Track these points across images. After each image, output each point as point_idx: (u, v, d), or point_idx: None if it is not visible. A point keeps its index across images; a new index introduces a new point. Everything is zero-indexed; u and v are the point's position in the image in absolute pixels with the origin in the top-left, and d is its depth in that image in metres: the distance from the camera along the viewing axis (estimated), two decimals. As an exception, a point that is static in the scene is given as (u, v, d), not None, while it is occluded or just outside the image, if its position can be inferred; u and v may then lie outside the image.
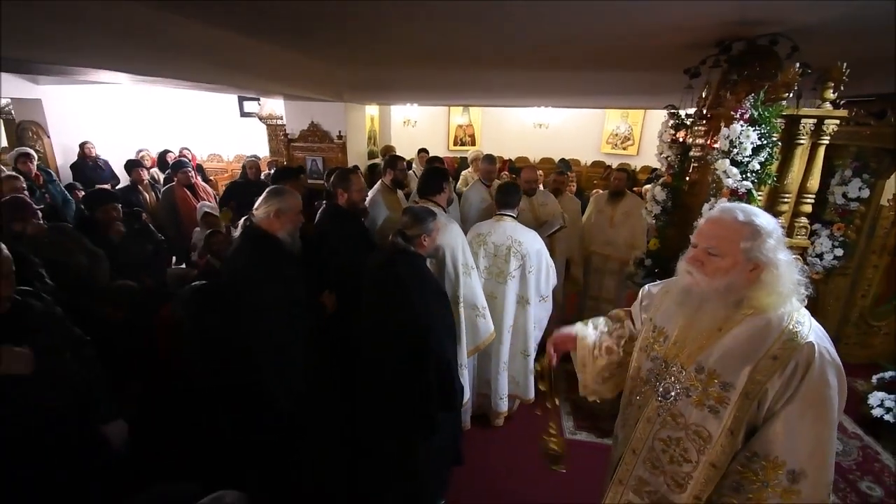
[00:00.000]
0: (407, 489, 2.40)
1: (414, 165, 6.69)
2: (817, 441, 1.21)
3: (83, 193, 5.40)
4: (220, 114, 9.21)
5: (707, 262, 1.28)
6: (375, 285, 2.28)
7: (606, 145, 9.44)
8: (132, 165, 5.76)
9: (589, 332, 1.70)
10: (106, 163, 6.95)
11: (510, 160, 9.13)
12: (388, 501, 2.45)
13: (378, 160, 6.36)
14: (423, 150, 7.19)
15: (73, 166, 6.40)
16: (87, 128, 7.16)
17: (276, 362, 2.32)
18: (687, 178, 3.14)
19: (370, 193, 3.60)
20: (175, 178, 5.39)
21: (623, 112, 9.01)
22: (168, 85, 4.12)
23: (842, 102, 4.13)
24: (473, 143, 9.94)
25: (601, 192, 4.75)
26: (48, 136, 6.63)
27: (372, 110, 6.55)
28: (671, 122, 3.17)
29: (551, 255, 3.75)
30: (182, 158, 6.59)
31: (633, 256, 3.67)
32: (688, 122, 3.08)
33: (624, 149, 9.24)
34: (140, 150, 7.15)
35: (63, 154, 6.78)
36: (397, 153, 5.39)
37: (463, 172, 6.92)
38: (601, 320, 1.75)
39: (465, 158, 7.42)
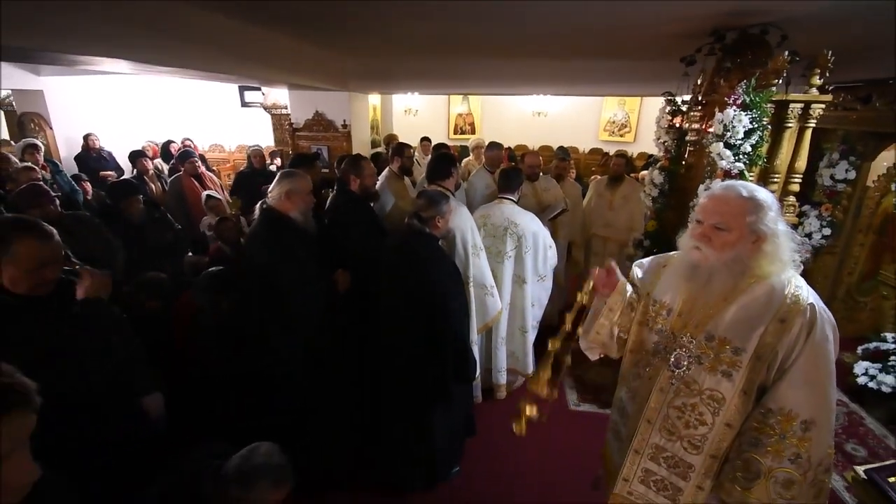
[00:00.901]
0: (425, 457, 2.57)
1: (416, 154, 6.79)
2: (823, 391, 1.34)
3: (87, 184, 5.51)
4: (221, 104, 9.26)
5: (715, 236, 1.38)
6: (393, 265, 2.43)
7: (604, 133, 9.57)
8: (137, 156, 5.84)
9: (629, 287, 1.71)
10: (110, 154, 7.01)
11: (510, 148, 9.24)
12: (407, 469, 2.62)
13: (381, 149, 6.47)
14: (425, 139, 7.28)
15: (77, 157, 6.46)
16: (89, 119, 7.20)
17: (294, 337, 2.45)
18: (683, 162, 3.30)
19: (378, 180, 3.73)
20: (182, 168, 5.48)
21: (620, 100, 9.13)
22: (172, 74, 4.16)
23: (830, 88, 4.31)
24: (473, 132, 10.03)
25: (601, 177, 4.89)
26: (50, 128, 6.68)
27: (374, 100, 6.65)
28: (668, 108, 3.31)
29: (554, 239, 3.92)
30: (187, 149, 6.67)
31: (631, 238, 3.84)
32: (684, 109, 3.22)
33: (621, 136, 9.38)
34: (145, 143, 7.23)
35: (65, 145, 6.84)
36: (405, 142, 5.51)
37: (464, 160, 7.03)
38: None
39: (466, 147, 7.53)
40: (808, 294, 1.36)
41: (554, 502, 2.64)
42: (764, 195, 1.36)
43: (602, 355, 1.83)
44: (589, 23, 3.05)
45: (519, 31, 3.42)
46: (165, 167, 6.70)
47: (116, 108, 8.05)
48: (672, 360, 1.51)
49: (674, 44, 3.20)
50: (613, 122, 9.41)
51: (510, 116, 9.93)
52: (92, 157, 6.52)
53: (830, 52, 2.36)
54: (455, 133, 10.13)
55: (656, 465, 1.62)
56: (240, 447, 1.58)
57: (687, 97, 3.22)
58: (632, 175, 5.57)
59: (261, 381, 2.57)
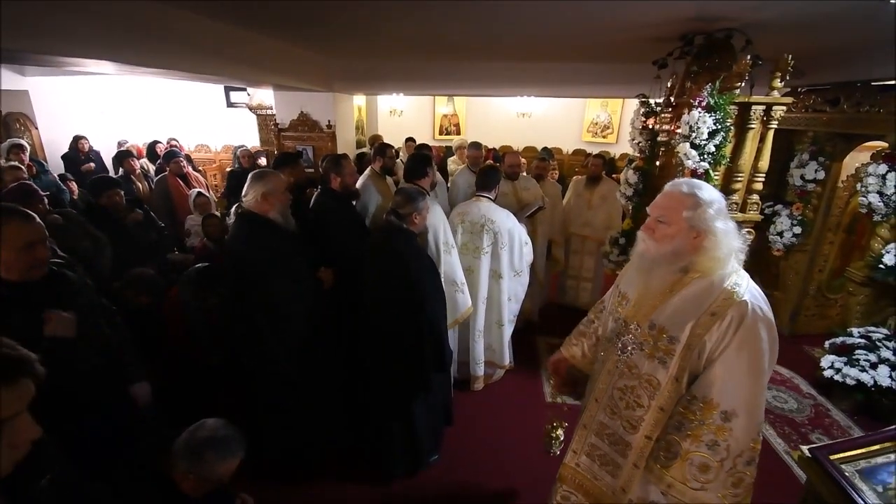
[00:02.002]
0: (406, 445, 2.65)
1: (401, 154, 6.87)
2: (748, 386, 1.39)
3: (73, 183, 5.49)
4: (206, 105, 9.23)
5: (657, 229, 1.48)
6: (374, 260, 2.50)
7: (587, 134, 9.71)
8: (123, 156, 5.83)
9: (573, 349, 1.97)
10: (97, 154, 6.99)
11: (494, 149, 9.34)
12: (390, 456, 2.69)
13: (366, 149, 6.52)
14: (410, 139, 7.36)
15: (64, 157, 6.42)
16: (74, 119, 7.17)
17: (281, 333, 2.48)
18: (657, 163, 3.41)
19: (360, 180, 3.79)
20: (167, 168, 5.50)
21: (603, 102, 9.27)
22: (157, 75, 4.17)
23: (802, 90, 4.46)
24: (458, 133, 10.11)
25: (580, 177, 5.00)
26: (36, 128, 6.64)
27: (359, 100, 6.70)
28: (642, 109, 3.42)
29: (533, 237, 4.00)
30: (173, 149, 6.67)
31: (608, 236, 3.94)
32: (657, 110, 3.34)
33: (604, 137, 9.52)
34: (120, 140, 7.20)
35: (50, 145, 6.79)
36: (387, 143, 5.58)
37: (449, 160, 7.12)
38: (572, 338, 2.02)
39: (451, 147, 7.61)
40: (745, 291, 1.40)
41: (530, 490, 2.72)
42: (706, 193, 1.42)
43: None
44: (565, 26, 3.14)
45: (498, 33, 3.50)
46: (152, 167, 6.69)
47: (102, 108, 8.01)
48: (620, 344, 1.62)
49: (647, 47, 3.31)
50: (596, 124, 9.56)
51: (495, 117, 10.03)
52: (80, 159, 6.49)
53: (791, 56, 2.47)
54: (440, 134, 10.20)
55: (600, 440, 1.73)
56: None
57: (660, 99, 3.33)
58: (614, 176, 5.70)
59: (248, 373, 2.63)
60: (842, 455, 1.71)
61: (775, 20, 2.44)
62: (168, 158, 5.69)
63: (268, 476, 2.70)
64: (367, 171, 3.90)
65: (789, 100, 2.55)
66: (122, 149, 6.67)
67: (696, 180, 1.52)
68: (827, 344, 3.86)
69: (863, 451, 1.70)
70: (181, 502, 1.56)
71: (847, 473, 1.64)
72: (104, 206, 3.52)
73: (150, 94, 8.75)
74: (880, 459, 1.67)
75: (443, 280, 2.93)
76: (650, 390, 1.54)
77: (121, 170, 5.62)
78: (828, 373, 3.66)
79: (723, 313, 1.38)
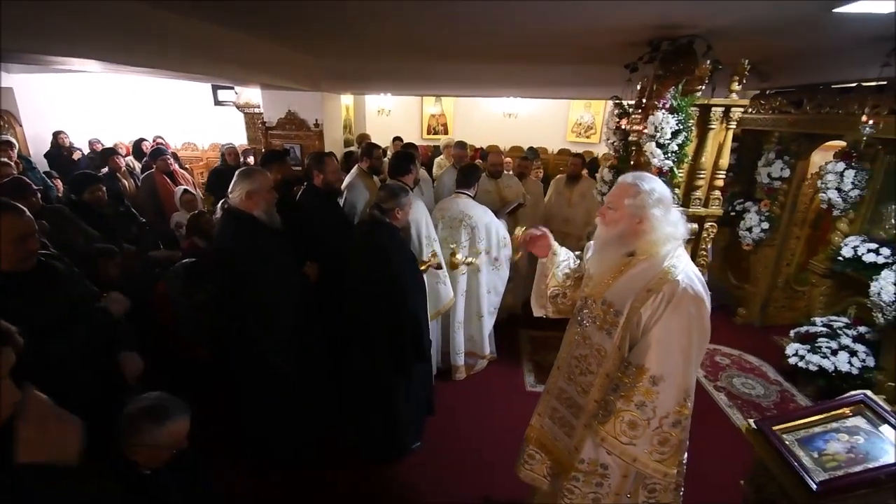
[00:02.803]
0: (386, 430, 2.77)
1: (389, 153, 6.97)
2: (675, 355, 1.54)
3: (59, 181, 5.52)
4: (193, 103, 9.23)
5: (607, 214, 1.67)
6: (358, 253, 2.62)
7: (571, 134, 9.92)
8: (108, 153, 5.86)
9: (561, 252, 1.97)
10: (80, 150, 6.98)
11: (481, 148, 9.49)
12: (370, 441, 2.81)
13: (354, 148, 6.63)
14: (397, 138, 7.47)
15: (47, 155, 6.43)
16: (59, 117, 7.16)
17: (268, 328, 2.55)
18: (631, 162, 3.58)
19: (348, 178, 3.91)
20: (154, 166, 5.55)
21: (586, 103, 9.48)
22: (144, 74, 4.23)
23: (770, 93, 4.66)
24: (446, 132, 10.24)
25: (561, 176, 5.17)
26: (20, 125, 6.62)
27: (346, 100, 6.79)
28: (616, 111, 3.59)
29: (514, 234, 4.12)
30: (160, 146, 6.70)
31: (586, 232, 4.11)
32: (630, 111, 3.51)
33: (587, 137, 9.73)
34: (96, 141, 7.22)
35: (35, 143, 6.78)
36: (372, 141, 5.69)
37: (436, 159, 7.24)
38: (574, 254, 2.00)
39: (439, 146, 7.74)
40: (680, 272, 1.55)
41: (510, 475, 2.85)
42: (647, 184, 1.59)
43: (545, 315, 2.06)
44: (542, 29, 3.28)
45: (479, 35, 3.64)
46: (137, 165, 6.71)
47: (87, 105, 7.99)
48: (579, 318, 1.81)
49: (620, 51, 3.47)
50: (580, 124, 9.77)
51: (482, 118, 10.19)
52: (62, 155, 6.49)
53: (747, 61, 2.65)
54: (428, 133, 10.33)
55: (559, 404, 1.91)
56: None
57: (632, 101, 3.50)
58: (596, 175, 5.88)
59: (235, 366, 2.71)
60: (784, 426, 1.88)
61: (731, 28, 2.61)
62: (155, 156, 5.74)
63: (252, 463, 2.80)
64: (354, 170, 4.02)
65: (745, 102, 2.74)
66: (99, 147, 6.70)
67: (643, 173, 1.68)
68: (792, 333, 4.06)
69: (802, 422, 1.87)
70: (140, 480, 1.56)
71: (787, 442, 1.81)
72: (86, 201, 3.59)
73: (136, 91, 8.73)
74: (817, 429, 1.84)
75: (425, 273, 3.07)
76: (599, 358, 1.73)
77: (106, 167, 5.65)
78: (792, 360, 3.86)
79: (657, 290, 1.55)
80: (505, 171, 4.68)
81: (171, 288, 3.35)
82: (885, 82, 3.33)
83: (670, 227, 1.59)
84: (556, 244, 1.97)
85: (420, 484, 2.75)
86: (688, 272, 1.58)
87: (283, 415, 2.71)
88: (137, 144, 7.34)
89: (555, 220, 4.94)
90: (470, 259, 3.25)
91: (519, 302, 4.83)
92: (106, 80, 8.11)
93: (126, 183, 5.71)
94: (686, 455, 1.83)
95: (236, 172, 2.57)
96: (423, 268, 2.92)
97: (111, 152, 5.89)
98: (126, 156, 6.87)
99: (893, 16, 2.30)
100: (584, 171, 5.27)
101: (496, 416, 3.34)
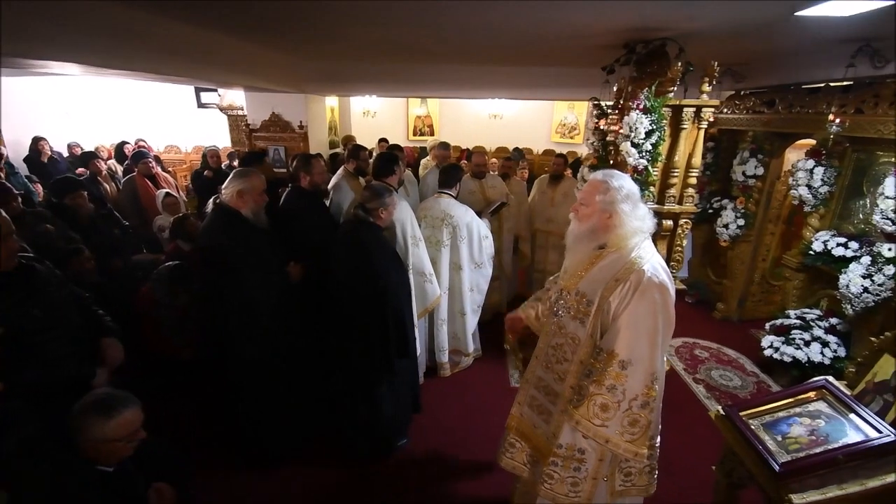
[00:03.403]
0: (373, 428, 2.81)
1: (374, 154, 7.00)
2: (642, 340, 1.63)
3: (39, 185, 5.47)
4: (176, 105, 9.17)
5: (580, 210, 1.76)
6: (342, 253, 2.66)
7: (556, 134, 10.06)
8: (89, 157, 5.82)
9: (529, 310, 2.17)
10: (60, 154, 6.91)
11: (468, 149, 9.57)
12: (356, 438, 2.85)
13: (339, 149, 6.65)
14: (383, 140, 7.50)
15: (26, 160, 6.34)
16: (39, 120, 7.07)
17: (251, 325, 2.60)
18: (610, 161, 3.67)
19: (334, 179, 3.94)
20: (136, 169, 5.52)
21: (570, 104, 9.61)
22: (124, 76, 4.19)
23: (744, 93, 4.80)
24: (432, 133, 10.30)
25: (544, 176, 5.25)
26: (-2, 129, 6.52)
27: (331, 101, 6.81)
28: (595, 111, 3.68)
29: (500, 233, 4.22)
30: (142, 149, 6.65)
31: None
32: (608, 112, 3.60)
33: (571, 137, 9.87)
34: (75, 145, 7.15)
35: (14, 147, 6.68)
36: (358, 143, 5.72)
37: (423, 160, 7.30)
38: (529, 301, 2.22)
39: (425, 148, 7.80)
40: (646, 263, 1.66)
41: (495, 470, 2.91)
42: (616, 181, 1.68)
43: None
44: (521, 32, 3.35)
45: (461, 38, 3.71)
46: (119, 168, 6.65)
47: (67, 108, 7.89)
48: (556, 309, 1.89)
49: (597, 54, 3.56)
50: (564, 125, 9.91)
51: (468, 119, 10.27)
52: (41, 161, 6.40)
53: (717, 63, 2.75)
54: (414, 134, 10.38)
55: (538, 392, 1.99)
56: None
57: (610, 102, 3.59)
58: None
59: (220, 365, 2.73)
60: (750, 411, 1.97)
61: (701, 31, 2.71)
62: (137, 159, 5.70)
63: (239, 461, 2.82)
64: (340, 171, 4.05)
65: (715, 102, 2.84)
66: (78, 151, 6.63)
67: (613, 171, 1.78)
68: (768, 326, 4.19)
69: (767, 407, 1.96)
70: (102, 477, 1.55)
71: (753, 427, 1.90)
72: (67, 205, 3.58)
73: (118, 94, 8.64)
74: (781, 414, 1.93)
75: (412, 271, 3.12)
76: (573, 346, 1.81)
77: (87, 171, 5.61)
78: (768, 352, 3.98)
79: (625, 279, 1.65)
80: (489, 172, 4.75)
81: (155, 291, 3.35)
82: (851, 82, 3.47)
83: (637, 221, 1.68)
84: (525, 314, 2.19)
85: (407, 480, 2.79)
86: (653, 262, 1.68)
87: (270, 413, 2.74)
88: (120, 147, 7.27)
89: (538, 220, 5.02)
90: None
91: (505, 300, 4.90)
92: (87, 82, 8.02)
93: (108, 187, 5.67)
94: (659, 439, 1.91)
95: (233, 171, 2.67)
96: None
97: (92, 156, 5.84)
98: (108, 159, 6.81)
99: (854, 19, 2.41)
100: (568, 171, 5.36)
101: (481, 413, 3.39)
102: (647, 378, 1.66)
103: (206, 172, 5.82)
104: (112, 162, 6.81)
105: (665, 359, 1.81)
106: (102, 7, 2.62)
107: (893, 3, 2.18)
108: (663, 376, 1.78)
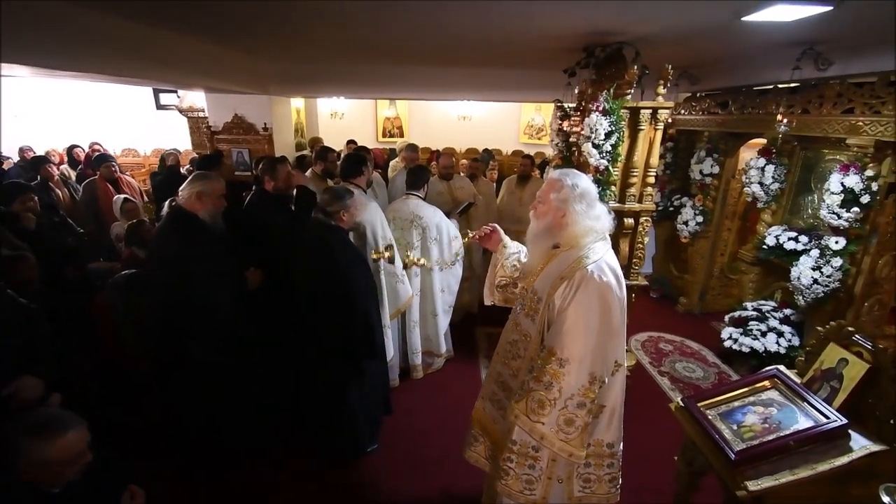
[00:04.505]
0: (342, 430, 2.77)
1: (343, 156, 6.93)
2: (580, 339, 1.63)
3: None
4: (134, 107, 8.84)
5: (538, 208, 1.77)
6: (306, 256, 2.62)
7: (524, 135, 10.19)
8: (39, 162, 5.52)
9: (512, 246, 2.10)
10: (9, 160, 6.54)
11: (437, 151, 9.59)
12: (325, 443, 2.81)
13: (306, 151, 6.54)
14: (351, 142, 7.44)
15: (-32, 164, 5.99)
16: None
17: (208, 329, 2.53)
18: (573, 162, 3.74)
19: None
20: (98, 172, 5.30)
21: (537, 105, 9.76)
22: (77, 78, 4.01)
23: (700, 95, 4.97)
24: (402, 135, 10.26)
25: (512, 177, 5.31)
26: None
27: (297, 103, 6.68)
28: (559, 113, 3.74)
29: (467, 233, 4.19)
30: (104, 153, 6.38)
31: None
32: (570, 114, 3.66)
33: (539, 138, 10.03)
34: (27, 148, 6.80)
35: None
36: (329, 147, 5.65)
37: (392, 162, 7.27)
38: (525, 248, 2.07)
39: (395, 149, 7.76)
40: (592, 261, 1.65)
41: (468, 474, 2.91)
42: (572, 179, 1.70)
43: (493, 303, 2.19)
44: (481, 35, 3.35)
45: (421, 40, 3.70)
46: (73, 173, 6.36)
47: (18, 111, 7.49)
48: (516, 306, 1.92)
49: (559, 57, 3.63)
50: (532, 126, 10.06)
51: (437, 120, 10.29)
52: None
53: (671, 66, 2.84)
54: (384, 136, 10.32)
55: (496, 386, 2.02)
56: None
57: (573, 104, 3.65)
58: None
59: (184, 370, 2.64)
60: (707, 402, 2.04)
61: (653, 35, 2.80)
62: (99, 162, 5.48)
63: (204, 468, 2.75)
64: (307, 173, 3.99)
65: (670, 104, 2.93)
66: (31, 156, 6.30)
67: (570, 170, 1.79)
68: (727, 318, 4.36)
69: (723, 397, 2.03)
70: (48, 500, 1.47)
71: (710, 417, 1.96)
72: (16, 212, 3.40)
73: (72, 95, 8.26)
74: (736, 403, 2.01)
75: (383, 272, 3.11)
76: (526, 343, 1.84)
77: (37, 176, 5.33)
78: (727, 343, 4.15)
79: (569, 277, 1.66)
80: (457, 173, 4.78)
81: (110, 300, 3.22)
82: (797, 84, 3.65)
83: (590, 220, 1.69)
84: (506, 238, 2.10)
85: (379, 483, 2.77)
86: (600, 262, 1.67)
87: (230, 418, 2.68)
88: (70, 151, 6.94)
89: (507, 220, 5.05)
90: (422, 261, 3.31)
91: (476, 301, 4.92)
92: (38, 84, 7.62)
93: (60, 192, 5.40)
94: (621, 446, 1.91)
95: (193, 174, 2.63)
96: (374, 257, 3.00)
97: (43, 160, 5.54)
98: (61, 164, 6.50)
99: (798, 23, 2.53)
100: (535, 171, 5.45)
101: (453, 414, 3.39)
102: (584, 378, 1.65)
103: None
104: (65, 167, 6.51)
105: (622, 361, 1.79)
106: (49, 5, 2.49)
107: (832, 8, 2.30)
108: (617, 379, 1.77)
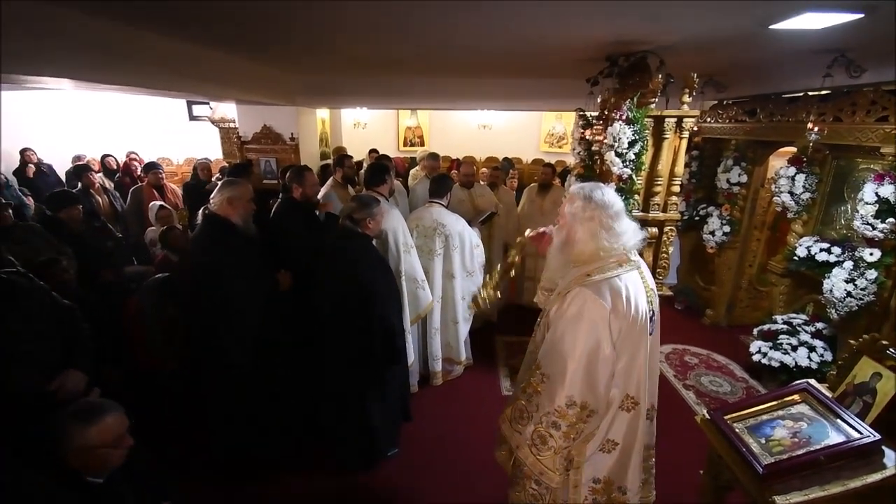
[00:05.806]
0: (362, 437, 2.80)
1: (365, 165, 7.06)
2: (559, 358, 1.60)
3: (31, 198, 5.44)
4: (168, 117, 9.19)
5: (558, 221, 1.77)
6: (330, 262, 2.68)
7: (544, 144, 10.18)
8: (82, 170, 5.79)
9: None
10: (50, 167, 6.90)
11: (458, 159, 9.66)
12: (345, 448, 2.84)
13: (330, 161, 6.68)
14: (373, 151, 7.56)
15: (15, 172, 6.32)
16: (29, 133, 7.06)
17: (238, 332, 2.62)
18: (596, 170, 3.73)
19: (323, 189, 3.98)
20: (145, 179, 5.54)
21: (557, 114, 9.75)
22: (117, 90, 4.21)
23: (728, 103, 4.90)
24: (422, 144, 10.39)
25: (533, 185, 5.31)
26: (-12, 143, 6.49)
27: (322, 113, 6.86)
28: (580, 122, 3.75)
29: (490, 242, 4.24)
30: (152, 161, 6.67)
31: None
32: (592, 122, 3.66)
33: (560, 147, 10.00)
34: (83, 157, 7.13)
35: (4, 159, 6.66)
36: (348, 153, 5.77)
37: (412, 171, 7.36)
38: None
39: (415, 158, 7.86)
40: (591, 282, 1.57)
41: (485, 479, 2.90)
42: (587, 191, 1.63)
43: (536, 301, 2.10)
44: (506, 47, 3.42)
45: (450, 52, 3.77)
46: (108, 182, 6.63)
47: (58, 122, 7.88)
48: (538, 320, 1.90)
49: (581, 66, 3.64)
50: (552, 135, 10.04)
51: (457, 129, 10.37)
52: (28, 169, 6.39)
53: (696, 75, 2.83)
54: (405, 145, 10.46)
55: (519, 391, 1.95)
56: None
57: (595, 113, 3.66)
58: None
59: (209, 372, 2.74)
60: (735, 415, 1.99)
61: (679, 44, 2.79)
62: (147, 169, 5.76)
63: (228, 473, 2.80)
64: (329, 181, 4.09)
65: (696, 112, 2.91)
66: (80, 163, 6.61)
67: (592, 184, 1.72)
68: (756, 331, 4.24)
69: (751, 410, 1.99)
70: (90, 489, 1.54)
71: (737, 430, 1.92)
72: (61, 219, 3.58)
73: (108, 107, 8.65)
74: (765, 417, 1.96)
75: (404, 278, 3.15)
76: (535, 355, 1.82)
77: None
78: (756, 357, 4.02)
79: (564, 297, 1.63)
80: (478, 182, 4.81)
81: (143, 302, 3.35)
82: (828, 91, 3.57)
83: (604, 239, 1.59)
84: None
85: (398, 490, 2.79)
86: (600, 284, 1.56)
87: (256, 422, 2.75)
88: (103, 160, 7.25)
89: (528, 228, 5.06)
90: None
91: (495, 309, 4.92)
92: (78, 95, 8.02)
93: (100, 199, 5.65)
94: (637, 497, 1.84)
95: (221, 181, 2.75)
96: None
97: (85, 169, 5.82)
98: (98, 172, 6.79)
99: (828, 31, 2.49)
100: (556, 180, 5.44)
101: (473, 421, 3.39)
102: (561, 398, 1.59)
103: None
104: (100, 175, 6.80)
105: (640, 398, 1.70)
106: (92, 23, 2.66)
107: (862, 15, 2.26)
108: (632, 417, 1.69)
